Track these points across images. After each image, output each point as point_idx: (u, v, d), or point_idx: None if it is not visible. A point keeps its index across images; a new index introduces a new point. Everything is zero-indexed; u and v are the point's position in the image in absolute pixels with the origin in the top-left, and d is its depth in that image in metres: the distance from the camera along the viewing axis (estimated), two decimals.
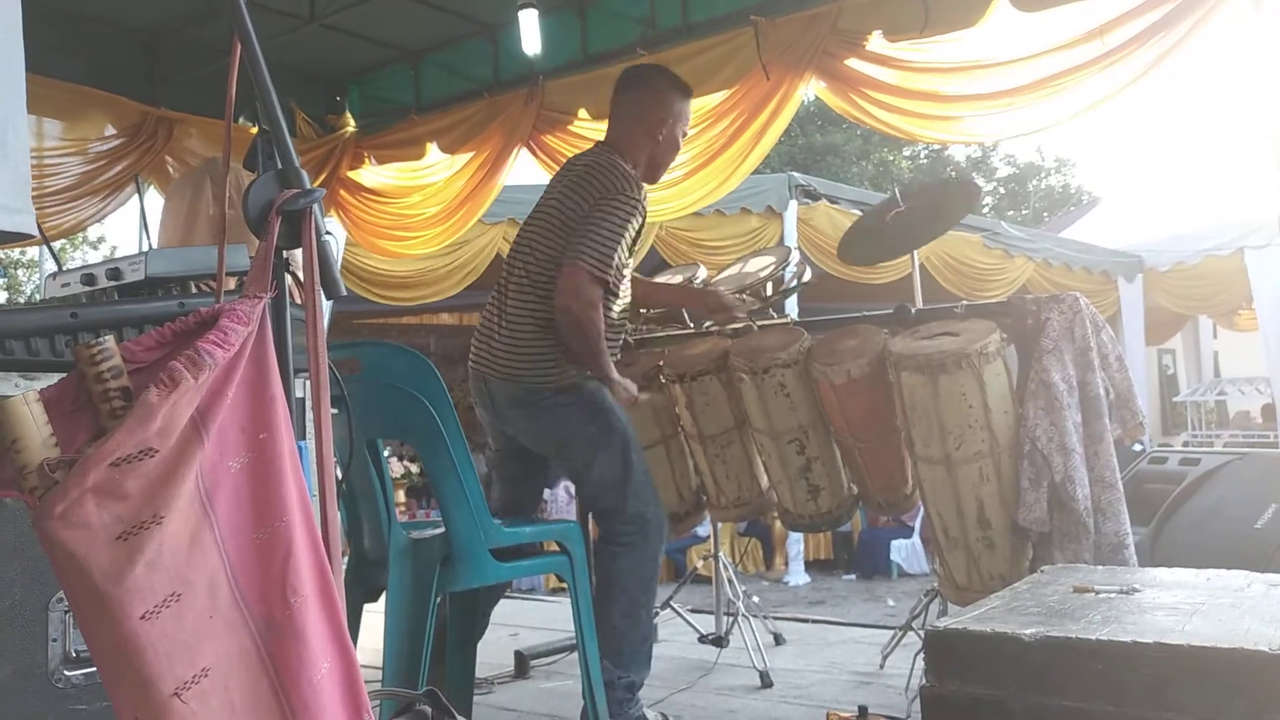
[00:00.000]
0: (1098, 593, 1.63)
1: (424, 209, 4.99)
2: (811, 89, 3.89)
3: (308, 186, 1.19)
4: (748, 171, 4.17)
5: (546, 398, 2.73)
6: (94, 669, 1.61)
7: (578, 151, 3.14)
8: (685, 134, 3.03)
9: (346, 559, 2.59)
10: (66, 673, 1.63)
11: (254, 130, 4.49)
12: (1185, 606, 1.51)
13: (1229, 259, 8.94)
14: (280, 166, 1.20)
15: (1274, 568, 2.61)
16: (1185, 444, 11.22)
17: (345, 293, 1.29)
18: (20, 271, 17.09)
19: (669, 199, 4.32)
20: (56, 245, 5.48)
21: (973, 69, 3.50)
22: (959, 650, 1.43)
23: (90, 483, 0.90)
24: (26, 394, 0.93)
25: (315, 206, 1.18)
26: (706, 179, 4.17)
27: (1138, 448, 4.34)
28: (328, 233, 1.20)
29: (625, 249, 2.75)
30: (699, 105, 4.11)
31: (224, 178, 1.37)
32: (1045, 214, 24.53)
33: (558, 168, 3.21)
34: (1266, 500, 3.04)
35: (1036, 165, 26.82)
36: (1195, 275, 9.66)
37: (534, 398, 2.74)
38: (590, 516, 3.08)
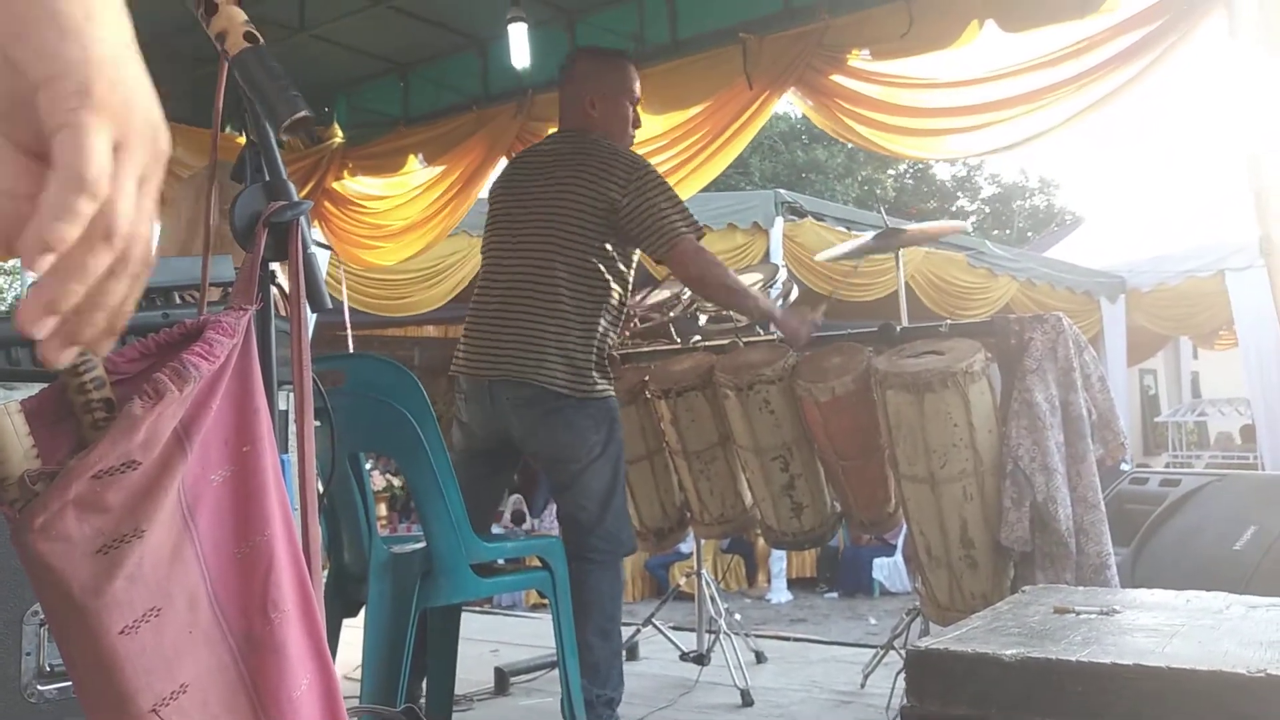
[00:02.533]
0: (1078, 614, 1.64)
1: (399, 218, 4.99)
2: (796, 106, 3.93)
3: (295, 199, 1.19)
4: (713, 174, 4.20)
5: (570, 404, 2.70)
6: (68, 683, 1.60)
7: None
8: (631, 98, 3.00)
9: (326, 573, 2.57)
10: (40, 687, 1.61)
11: (241, 140, 4.48)
12: (1165, 628, 1.52)
13: (1210, 280, 9.03)
14: (268, 178, 1.20)
15: (1253, 589, 2.62)
16: (1167, 465, 11.30)
17: (330, 305, 1.29)
18: (0, 279, 16.97)
19: None
20: None
21: (955, 86, 3.54)
22: (940, 670, 1.43)
23: (71, 495, 0.89)
24: (8, 404, 0.92)
25: (302, 219, 1.18)
26: (676, 183, 4.20)
27: (1125, 467, 4.36)
28: (319, 244, 1.20)
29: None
30: (684, 115, 4.15)
31: (209, 189, 1.36)
32: (1029, 234, 24.70)
33: None
34: (1246, 522, 3.06)
35: (1021, 185, 27.04)
36: (1177, 296, 9.74)
37: (555, 403, 2.70)
38: None
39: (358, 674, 2.39)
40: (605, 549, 2.73)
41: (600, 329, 2.78)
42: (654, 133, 4.27)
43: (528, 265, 2.78)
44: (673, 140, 4.17)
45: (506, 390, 2.73)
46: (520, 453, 2.93)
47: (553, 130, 3.10)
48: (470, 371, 2.80)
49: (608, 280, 2.79)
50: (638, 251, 2.87)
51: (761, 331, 3.55)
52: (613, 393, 2.83)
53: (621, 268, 2.83)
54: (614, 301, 2.83)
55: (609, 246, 2.77)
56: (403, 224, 4.93)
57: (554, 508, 3.97)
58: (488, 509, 2.99)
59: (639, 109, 3.03)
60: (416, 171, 4.91)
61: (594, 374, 2.75)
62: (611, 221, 2.75)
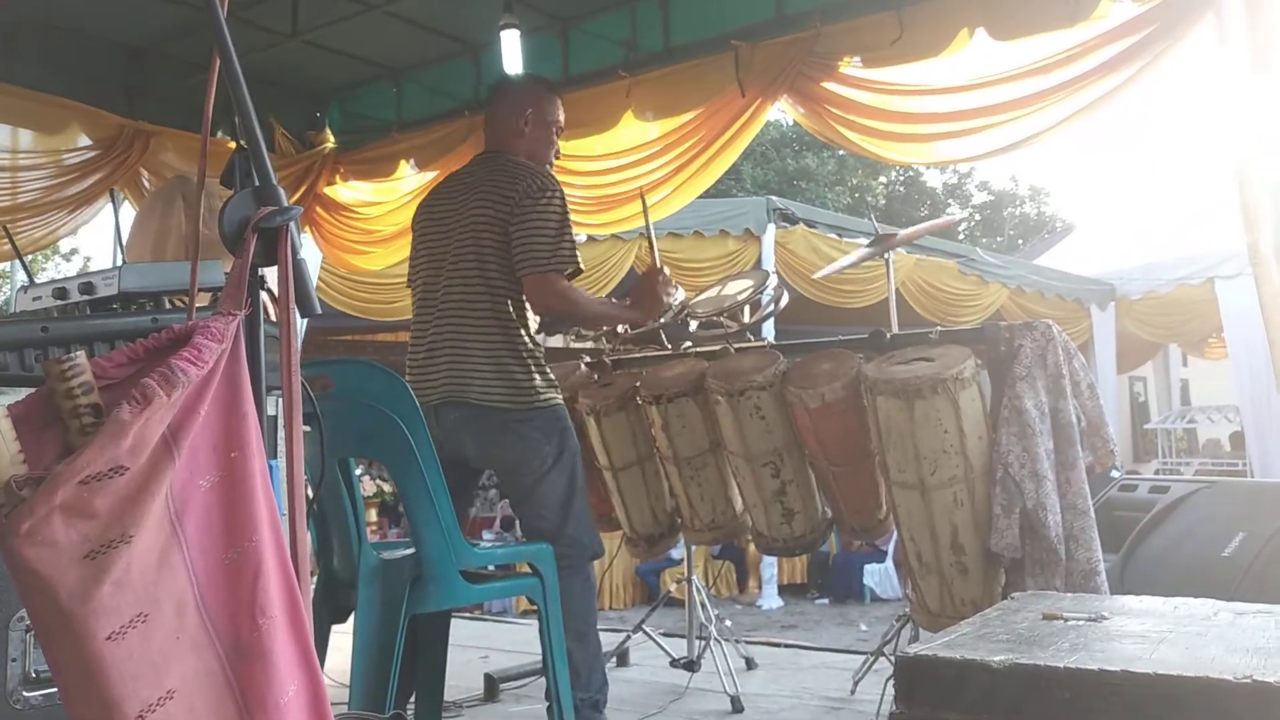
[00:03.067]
0: (1067, 620, 1.64)
1: (389, 224, 4.99)
2: (787, 114, 3.95)
3: (285, 204, 1.18)
4: (709, 182, 4.21)
5: (515, 418, 2.73)
6: (54, 690, 1.58)
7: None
8: (558, 126, 3.04)
9: (315, 579, 2.56)
10: (25, 693, 1.60)
11: (231, 145, 4.49)
12: (1153, 634, 1.52)
13: (1200, 288, 9.07)
14: (258, 184, 1.20)
15: (1241, 595, 2.63)
16: (1157, 471, 11.33)
17: (320, 311, 1.28)
18: None
19: (632, 210, 4.37)
20: (28, 257, 5.43)
21: (946, 92, 3.56)
22: (929, 677, 1.43)
23: (58, 500, 0.89)
24: None
25: (292, 224, 1.18)
26: (671, 190, 4.21)
27: (1115, 474, 4.37)
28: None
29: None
30: (677, 121, 4.17)
31: (198, 194, 1.36)
32: (1019, 241, 24.79)
33: None
34: (1234, 528, 3.07)
35: (1011, 193, 27.14)
36: (1167, 304, 9.79)
37: (501, 418, 2.73)
38: None
39: (347, 679, 2.38)
40: (570, 554, 2.74)
41: (529, 339, 2.81)
42: (648, 138, 4.28)
43: (454, 288, 2.80)
44: (666, 147, 4.18)
45: (451, 412, 2.76)
46: (478, 471, 2.99)
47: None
48: (419, 399, 2.83)
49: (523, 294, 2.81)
50: None
51: (751, 338, 3.55)
52: (559, 400, 2.84)
53: None
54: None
55: None
56: (394, 229, 4.93)
57: None
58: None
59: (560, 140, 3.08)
60: (408, 177, 4.91)
61: (536, 383, 2.77)
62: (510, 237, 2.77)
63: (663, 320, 3.21)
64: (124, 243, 2.58)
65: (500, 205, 2.78)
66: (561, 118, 3.05)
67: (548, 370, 2.84)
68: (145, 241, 2.48)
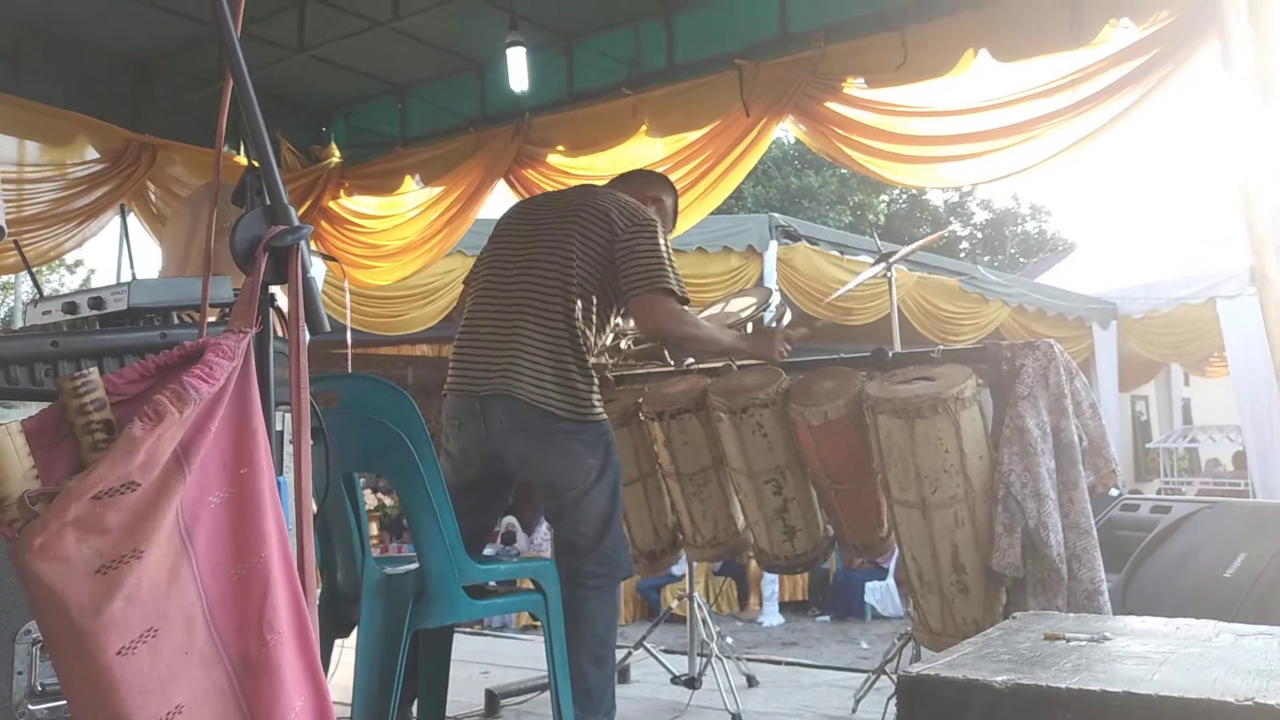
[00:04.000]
0: (1068, 640, 1.65)
1: (396, 239, 5.01)
2: (790, 131, 3.97)
3: (295, 223, 1.20)
4: (717, 201, 4.23)
5: (566, 428, 2.69)
6: (60, 703, 1.59)
7: (553, 184, 3.22)
8: (669, 228, 3.16)
9: (319, 593, 2.57)
10: (31, 707, 1.60)
11: (239, 159, 4.52)
12: (1155, 655, 1.53)
13: (1202, 307, 9.08)
14: (269, 202, 1.21)
15: (1242, 616, 2.64)
16: (1159, 491, 11.31)
17: (329, 328, 1.29)
18: None
19: None
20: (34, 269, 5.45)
21: (949, 114, 3.58)
22: (931, 697, 1.44)
23: (71, 516, 0.89)
24: (9, 425, 0.93)
25: (302, 243, 1.19)
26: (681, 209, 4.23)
27: (1114, 493, 4.37)
28: (322, 255, 1.21)
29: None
30: (681, 139, 4.19)
31: (211, 210, 1.38)
32: (1021, 260, 24.82)
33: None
34: (1236, 549, 3.07)
35: (1013, 211, 27.17)
36: (1168, 323, 9.79)
37: (551, 425, 2.68)
38: None
39: (349, 694, 2.38)
40: (602, 573, 2.71)
41: (587, 356, 2.78)
42: (655, 157, 4.30)
43: (531, 287, 2.78)
44: (674, 166, 4.19)
45: (500, 409, 2.70)
46: (512, 479, 2.91)
47: (552, 152, 3.17)
48: (463, 389, 2.77)
49: (600, 311, 2.81)
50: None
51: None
52: (606, 417, 2.83)
53: (609, 309, 2.88)
54: (604, 332, 2.87)
55: (605, 281, 2.80)
56: (400, 244, 4.95)
57: (547, 526, 3.98)
58: (479, 540, 2.97)
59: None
60: (414, 192, 4.94)
61: (591, 397, 2.75)
62: (608, 256, 2.78)
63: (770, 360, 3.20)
64: (131, 254, 2.60)
65: (600, 226, 2.79)
66: (668, 222, 3.17)
67: (597, 389, 2.81)
68: (175, 247, 2.49)
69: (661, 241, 2.80)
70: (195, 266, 2.48)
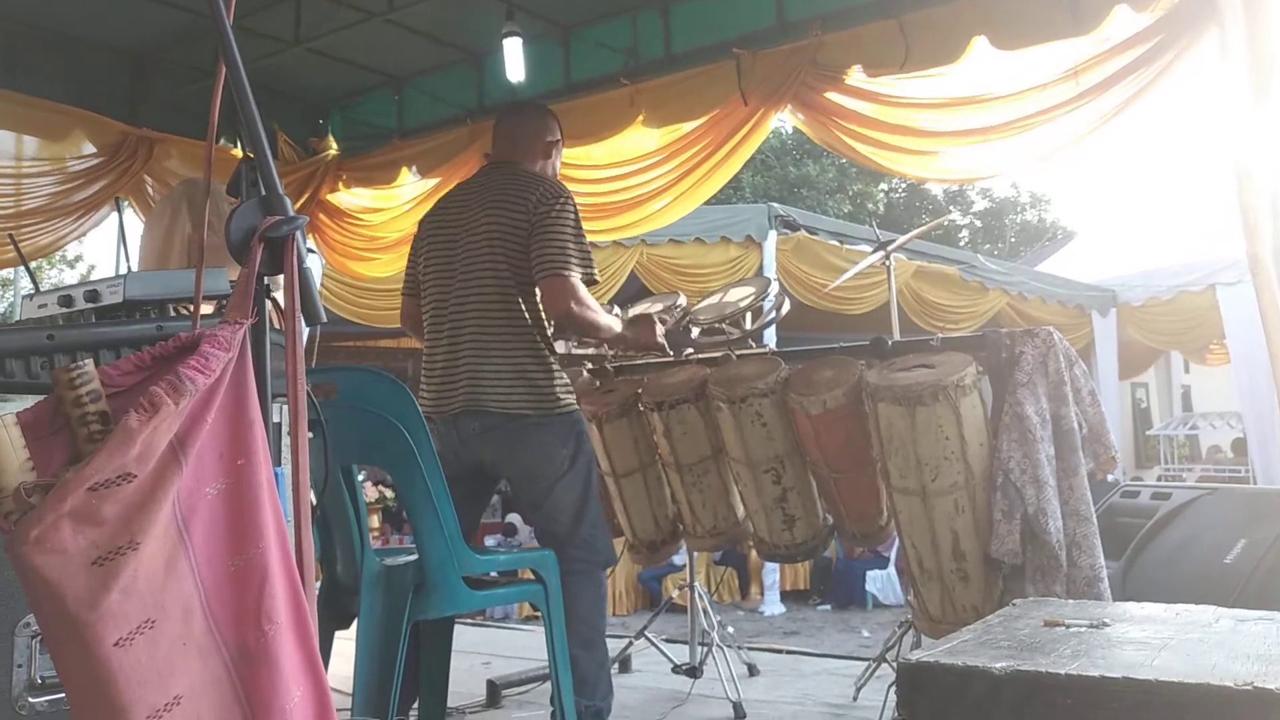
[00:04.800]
0: (1068, 626, 1.65)
1: (393, 230, 5.00)
2: (789, 121, 3.95)
3: (291, 214, 1.19)
4: (712, 191, 4.22)
5: (532, 424, 2.73)
6: (59, 695, 1.59)
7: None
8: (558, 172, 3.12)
9: (319, 585, 2.57)
10: (31, 699, 1.60)
11: (235, 152, 4.51)
12: (1154, 641, 1.53)
13: (1201, 294, 9.08)
14: (264, 193, 1.21)
15: (1243, 602, 2.63)
16: (1159, 478, 11.32)
17: (325, 319, 1.29)
18: None
19: (632, 218, 4.38)
20: (32, 262, 5.44)
21: (950, 105, 3.56)
22: (930, 684, 1.44)
23: (67, 507, 0.89)
24: (4, 417, 0.92)
25: (298, 233, 1.19)
26: (673, 198, 4.22)
27: (1111, 479, 4.37)
28: (311, 250, 1.21)
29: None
30: (677, 129, 4.18)
31: (203, 201, 1.37)
32: (1021, 248, 24.79)
33: None
34: (1236, 535, 3.07)
35: (1013, 200, 27.14)
36: (1168, 310, 9.79)
37: (519, 423, 2.73)
38: None
39: (350, 686, 2.38)
40: (582, 558, 2.75)
41: (543, 344, 2.81)
42: (651, 147, 4.29)
43: (468, 297, 2.81)
44: (669, 155, 4.19)
45: (469, 421, 2.76)
46: (492, 480, 2.98)
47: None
48: (433, 409, 2.83)
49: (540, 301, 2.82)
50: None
51: (754, 345, 3.56)
52: (575, 406, 2.85)
53: None
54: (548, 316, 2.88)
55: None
56: (397, 236, 4.94)
57: None
58: (467, 531, 3.01)
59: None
60: (409, 184, 4.92)
61: (555, 389, 2.78)
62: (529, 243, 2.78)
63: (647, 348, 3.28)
64: (133, 250, 2.60)
65: (515, 213, 2.79)
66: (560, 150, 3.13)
67: (564, 376, 2.85)
68: (153, 248, 2.49)
69: (569, 219, 2.79)
70: (174, 263, 2.48)
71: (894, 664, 3.21)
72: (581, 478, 2.79)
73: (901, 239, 3.61)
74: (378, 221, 5.08)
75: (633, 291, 6.07)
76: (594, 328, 2.88)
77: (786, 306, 3.51)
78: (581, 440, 2.82)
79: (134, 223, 4.78)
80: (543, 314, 2.82)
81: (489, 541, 8.11)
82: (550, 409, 2.75)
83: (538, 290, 2.79)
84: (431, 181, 4.81)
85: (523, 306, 2.79)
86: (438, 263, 2.92)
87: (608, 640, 2.87)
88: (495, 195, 2.85)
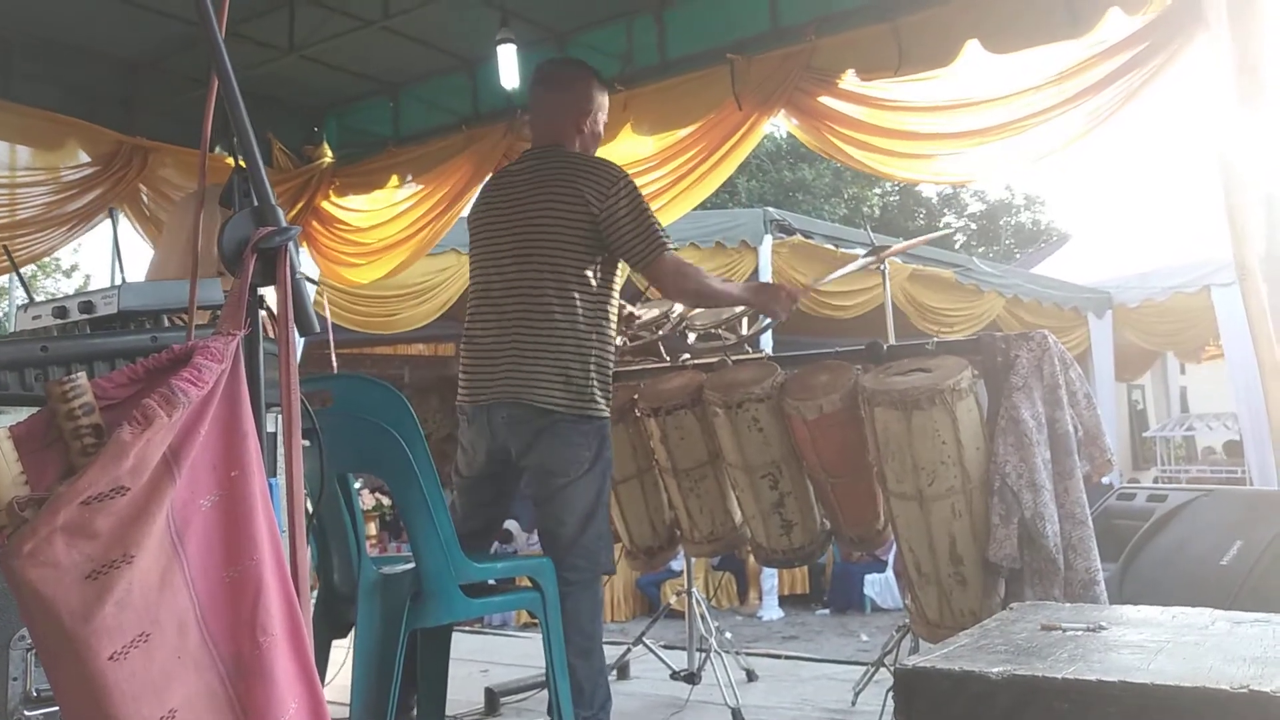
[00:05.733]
0: (1065, 630, 1.65)
1: (379, 236, 4.99)
2: (784, 125, 3.96)
3: (283, 224, 1.19)
4: (705, 195, 4.22)
5: (564, 420, 2.71)
6: (55, 709, 1.59)
7: None
8: (604, 125, 3.08)
9: (315, 593, 2.56)
10: (26, 713, 1.60)
11: (229, 161, 4.50)
12: (1151, 644, 1.53)
13: (1196, 296, 9.08)
14: (256, 203, 1.20)
15: (1239, 604, 2.63)
16: (1156, 479, 11.32)
17: (318, 329, 1.29)
18: None
19: None
20: (27, 272, 5.44)
21: (943, 109, 3.57)
22: (928, 689, 1.44)
23: (60, 521, 0.89)
24: None
25: (290, 244, 1.19)
26: (667, 202, 4.22)
27: (1105, 481, 4.37)
28: (308, 279, 1.21)
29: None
30: (671, 136, 4.18)
31: (198, 211, 1.37)
32: (1015, 251, 24.82)
33: None
34: (1232, 537, 3.07)
35: (1007, 203, 27.17)
36: (1163, 312, 9.80)
37: (549, 419, 2.70)
38: None
39: (347, 695, 2.38)
40: (583, 567, 2.72)
41: (597, 342, 2.78)
42: (645, 153, 4.29)
43: (517, 287, 2.78)
44: (663, 160, 4.19)
45: (502, 411, 2.74)
46: (520, 473, 2.92)
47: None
48: (470, 400, 2.81)
49: (598, 293, 2.80)
50: (621, 261, 2.88)
51: (749, 350, 3.56)
52: (607, 412, 2.83)
53: (608, 277, 2.85)
54: (608, 312, 2.85)
55: (595, 259, 2.79)
56: (386, 241, 4.94)
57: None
58: (491, 533, 3.03)
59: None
60: (401, 189, 4.92)
61: (593, 391, 2.75)
62: (593, 232, 2.75)
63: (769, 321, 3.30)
64: (121, 258, 2.59)
65: (572, 205, 2.75)
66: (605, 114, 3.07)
67: (607, 379, 2.81)
68: (175, 251, 2.48)
69: (635, 199, 2.78)
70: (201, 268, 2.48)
71: (892, 668, 3.21)
72: (596, 483, 2.77)
73: (895, 247, 3.60)
74: (367, 226, 5.07)
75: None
76: (712, 296, 2.92)
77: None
78: (604, 446, 2.79)
79: (129, 232, 4.78)
80: (591, 313, 2.78)
81: None
82: (583, 409, 2.72)
83: (645, 281, 2.85)
84: (424, 187, 4.81)
85: (577, 301, 2.75)
86: (482, 253, 2.89)
87: (605, 647, 2.86)
88: (546, 188, 2.80)
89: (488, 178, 3.15)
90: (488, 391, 2.76)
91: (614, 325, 2.88)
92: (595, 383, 2.76)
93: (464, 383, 2.84)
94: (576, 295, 2.75)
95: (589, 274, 2.77)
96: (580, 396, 2.72)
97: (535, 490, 2.83)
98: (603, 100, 3.02)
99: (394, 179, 4.86)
